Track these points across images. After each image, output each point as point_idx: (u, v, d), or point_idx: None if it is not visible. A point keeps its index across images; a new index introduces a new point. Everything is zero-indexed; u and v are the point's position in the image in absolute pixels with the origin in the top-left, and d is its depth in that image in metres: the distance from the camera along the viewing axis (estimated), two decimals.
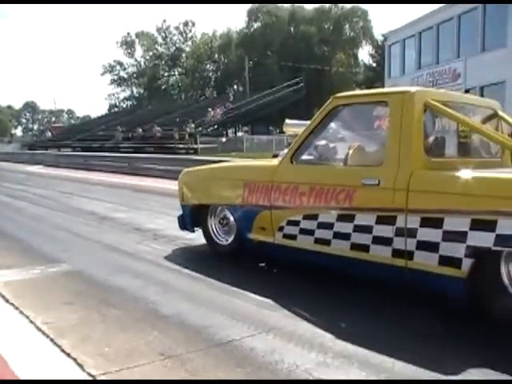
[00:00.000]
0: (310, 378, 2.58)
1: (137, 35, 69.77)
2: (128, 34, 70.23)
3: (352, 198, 3.76)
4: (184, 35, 69.29)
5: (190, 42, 69.34)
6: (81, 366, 2.72)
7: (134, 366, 2.73)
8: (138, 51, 70.83)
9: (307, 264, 4.40)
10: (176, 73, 69.62)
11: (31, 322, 3.37)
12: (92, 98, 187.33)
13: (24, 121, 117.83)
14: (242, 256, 4.92)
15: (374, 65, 46.90)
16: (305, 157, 4.37)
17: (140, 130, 34.67)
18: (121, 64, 71.70)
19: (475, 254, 3.13)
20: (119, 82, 72.42)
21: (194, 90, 66.77)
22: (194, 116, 34.42)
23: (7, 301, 3.78)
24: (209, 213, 5.26)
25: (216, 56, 66.15)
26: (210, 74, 67.93)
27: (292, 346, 2.97)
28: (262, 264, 4.91)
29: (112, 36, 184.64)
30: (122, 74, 72.28)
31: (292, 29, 57.63)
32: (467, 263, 3.16)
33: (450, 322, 3.37)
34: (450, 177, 3.38)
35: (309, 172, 4.28)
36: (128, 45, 70.25)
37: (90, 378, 2.60)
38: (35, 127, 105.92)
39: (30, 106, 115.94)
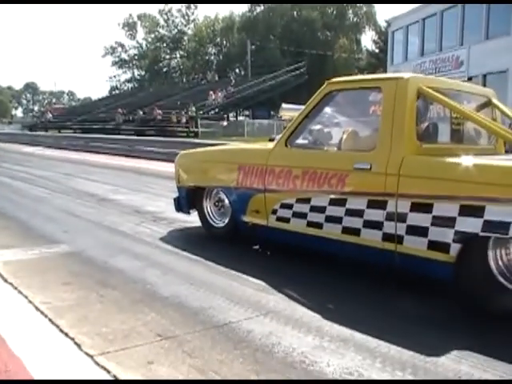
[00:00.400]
0: (306, 361, 2.61)
1: (139, 17, 69.30)
2: (130, 15, 70.23)
3: (344, 182, 3.80)
4: (186, 18, 68.76)
5: (192, 25, 68.88)
6: (78, 345, 2.74)
7: (131, 346, 2.75)
8: (140, 33, 70.56)
9: (300, 247, 4.46)
10: (178, 55, 69.18)
11: (30, 301, 3.38)
12: (93, 79, 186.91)
13: (24, 102, 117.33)
14: (237, 238, 4.98)
15: (377, 51, 46.38)
16: (299, 141, 4.40)
17: (141, 112, 34.57)
18: (122, 46, 71.37)
19: (463, 239, 3.18)
20: (120, 63, 71.98)
21: (195, 73, 66.29)
22: (195, 99, 34.30)
23: (6, 280, 3.80)
24: (204, 195, 5.30)
25: (218, 39, 65.66)
26: (212, 58, 67.41)
27: (289, 329, 2.99)
28: (256, 246, 4.98)
29: (113, 17, 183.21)
30: (124, 56, 71.98)
31: (295, 13, 57.06)
32: (455, 248, 3.21)
33: (440, 305, 3.43)
34: (440, 163, 3.42)
35: (302, 156, 4.31)
36: (130, 26, 69.82)
37: (89, 358, 2.61)
38: (36, 108, 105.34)
39: (31, 87, 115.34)
